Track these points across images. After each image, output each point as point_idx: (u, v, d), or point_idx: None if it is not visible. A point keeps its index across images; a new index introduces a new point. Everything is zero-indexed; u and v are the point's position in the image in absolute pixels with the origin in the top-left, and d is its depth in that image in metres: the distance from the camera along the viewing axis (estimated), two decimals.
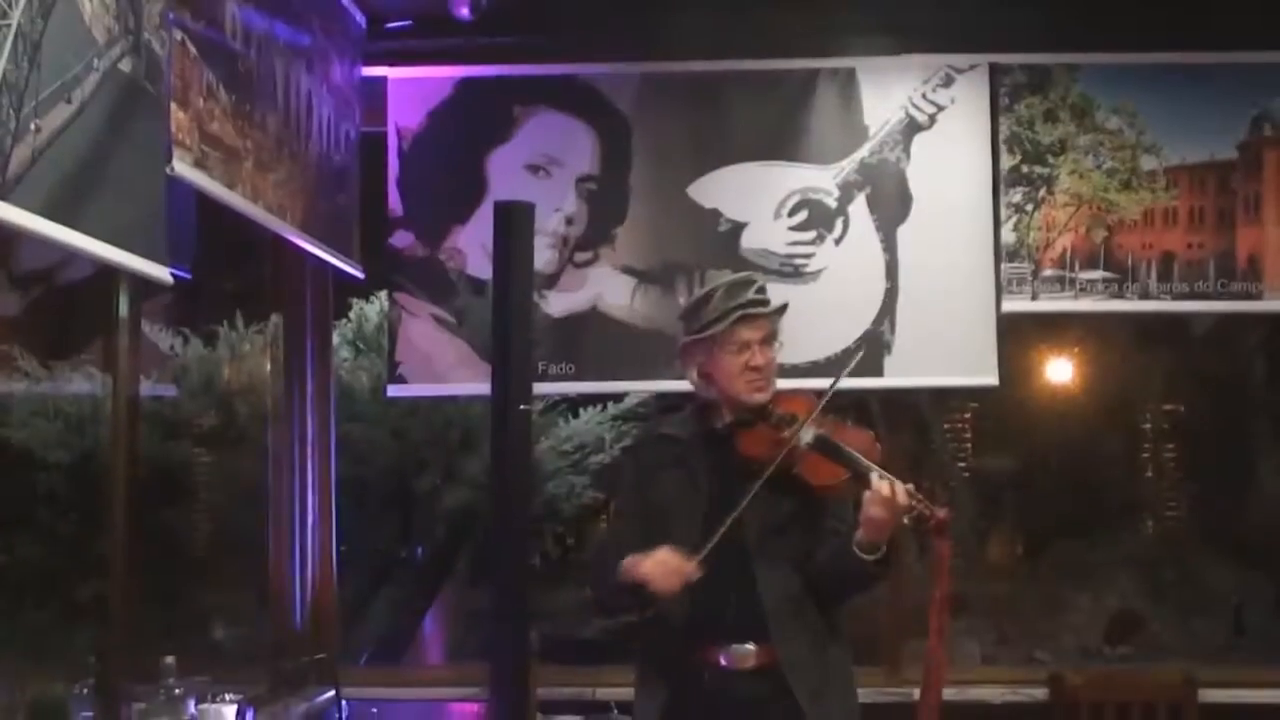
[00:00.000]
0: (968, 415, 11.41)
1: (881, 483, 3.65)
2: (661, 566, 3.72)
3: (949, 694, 5.40)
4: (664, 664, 3.90)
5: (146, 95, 3.52)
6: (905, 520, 3.70)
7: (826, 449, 3.78)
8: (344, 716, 5.24)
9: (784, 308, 3.98)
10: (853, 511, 3.77)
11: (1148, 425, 11.36)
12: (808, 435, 3.79)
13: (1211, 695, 5.42)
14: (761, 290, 3.96)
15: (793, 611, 3.85)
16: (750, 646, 3.83)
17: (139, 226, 3.49)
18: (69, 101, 3.10)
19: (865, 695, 4.95)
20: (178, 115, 3.68)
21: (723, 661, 3.83)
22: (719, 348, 3.89)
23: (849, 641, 4.06)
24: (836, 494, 3.85)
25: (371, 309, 7.40)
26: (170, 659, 4.22)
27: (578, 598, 10.07)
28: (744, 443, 3.88)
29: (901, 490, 3.64)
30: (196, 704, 4.25)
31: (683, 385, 5.45)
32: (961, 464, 11.37)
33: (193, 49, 3.79)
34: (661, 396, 7.24)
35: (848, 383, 5.45)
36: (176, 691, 4.17)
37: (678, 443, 4.01)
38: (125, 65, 3.40)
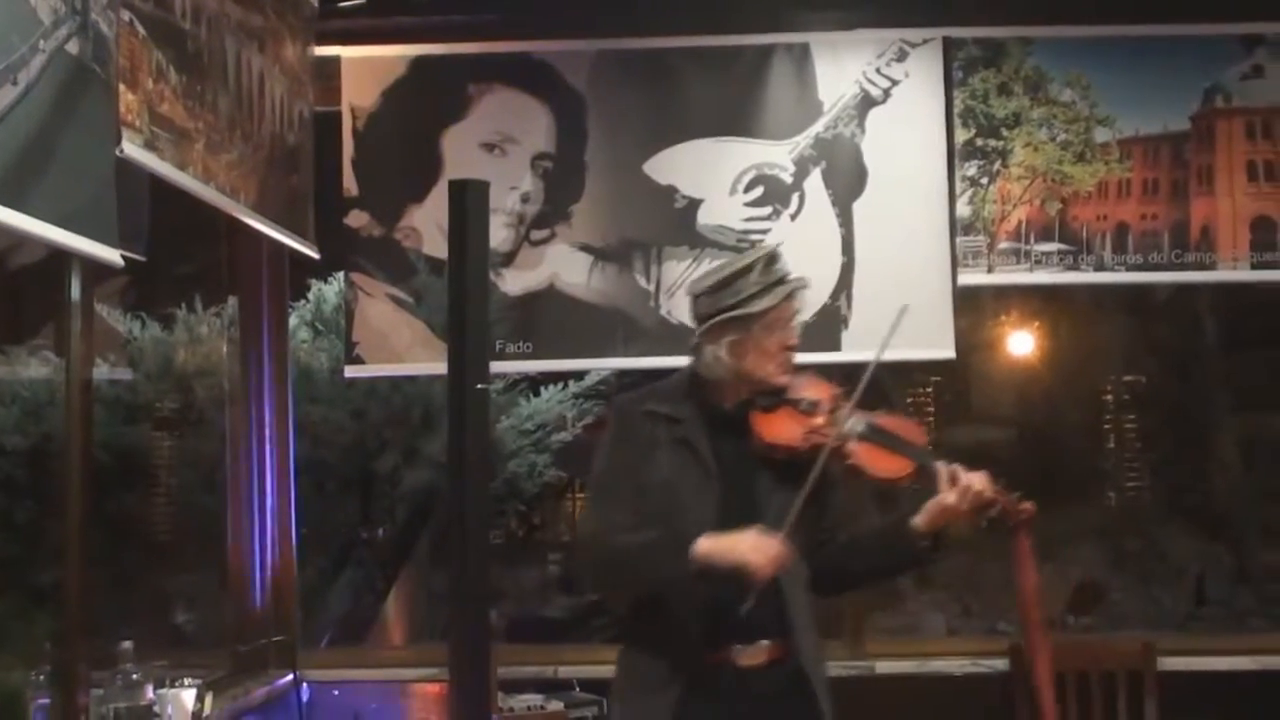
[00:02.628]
0: (929, 389, 11.46)
1: (970, 475, 3.53)
2: (760, 550, 3.44)
3: (910, 667, 5.50)
4: (672, 667, 3.61)
5: (94, 77, 3.49)
6: (991, 514, 3.59)
7: (884, 439, 3.64)
8: (305, 699, 5.23)
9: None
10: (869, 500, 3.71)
11: (1109, 396, 11.43)
12: (858, 425, 3.64)
13: (1171, 663, 5.46)
14: None
15: (805, 604, 3.69)
16: (764, 642, 3.61)
17: (89, 209, 3.47)
18: (14, 83, 3.07)
19: (829, 669, 4.98)
20: (126, 97, 3.65)
21: (738, 659, 3.59)
22: (759, 324, 3.65)
23: None
24: (899, 486, 3.70)
25: (330, 290, 7.38)
26: (128, 644, 4.19)
27: (541, 576, 10.12)
28: (767, 426, 3.67)
29: (988, 484, 3.54)
30: (155, 688, 4.23)
31: (640, 362, 5.53)
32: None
33: (141, 29, 3.77)
34: (621, 374, 7.27)
35: (805, 358, 5.50)
36: (135, 676, 4.14)
37: (675, 422, 3.70)
38: (72, 46, 3.37)
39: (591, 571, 3.95)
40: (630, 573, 3.63)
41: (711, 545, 3.47)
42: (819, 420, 3.65)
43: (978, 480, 3.54)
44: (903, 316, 3.77)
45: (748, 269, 3.68)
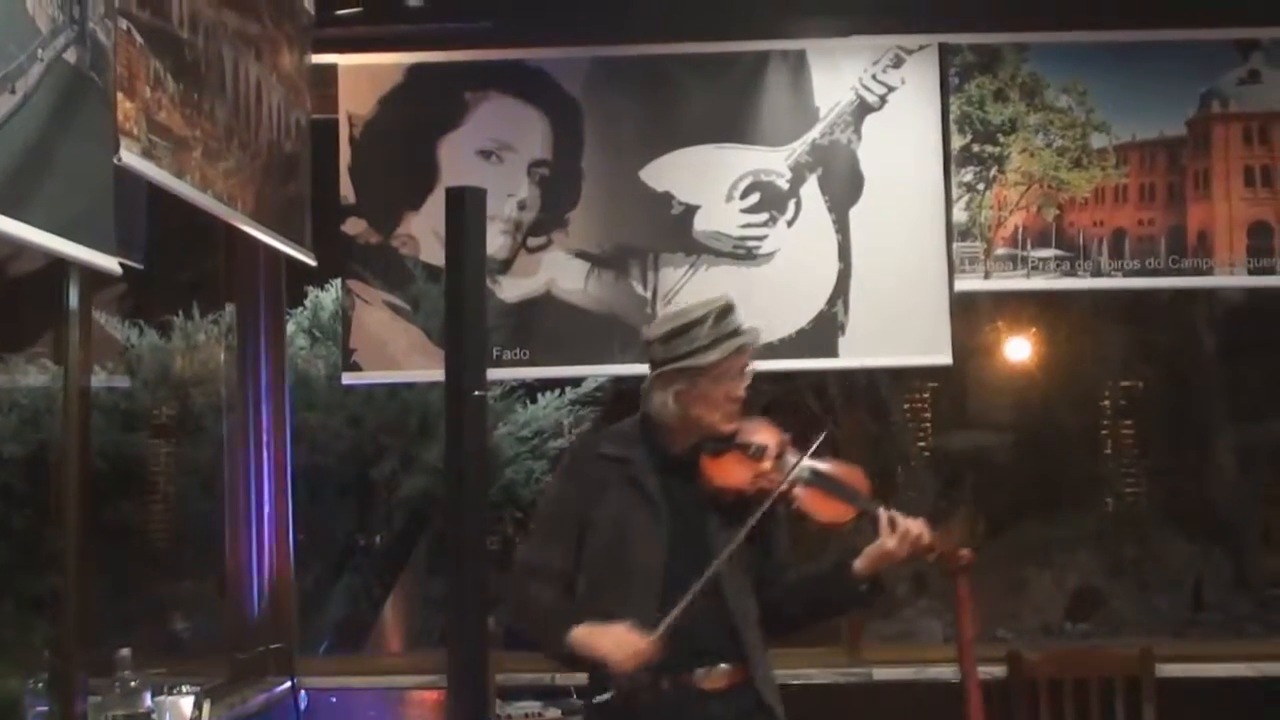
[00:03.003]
0: (927, 395, 11.44)
1: (908, 521, 3.65)
2: (621, 647, 3.53)
3: (909, 673, 5.49)
4: (632, 692, 3.65)
5: (92, 85, 3.50)
6: (929, 559, 3.73)
7: (827, 485, 3.76)
8: (302, 706, 5.23)
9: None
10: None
11: (1106, 402, 11.41)
12: (804, 471, 3.76)
13: (1169, 670, 5.45)
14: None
15: (757, 635, 3.80)
16: (724, 666, 3.72)
17: (87, 217, 3.47)
18: (12, 92, 3.07)
19: (827, 676, 4.99)
20: (124, 105, 3.65)
21: (698, 683, 3.70)
22: (706, 376, 3.74)
23: None
24: (838, 530, 3.85)
25: (327, 297, 7.38)
26: (126, 651, 4.20)
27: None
28: (715, 470, 3.77)
29: (925, 530, 3.65)
30: (153, 696, 4.23)
31: (636, 369, 5.53)
32: (921, 444, 11.40)
33: (139, 38, 3.77)
34: (618, 380, 7.27)
35: (801, 364, 5.53)
36: (132, 683, 4.14)
37: (626, 463, 3.81)
38: (70, 55, 3.37)
39: (507, 606, 4.12)
40: (525, 627, 3.88)
41: (583, 635, 3.59)
42: (766, 465, 3.77)
43: (915, 526, 3.65)
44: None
45: (700, 320, 3.76)
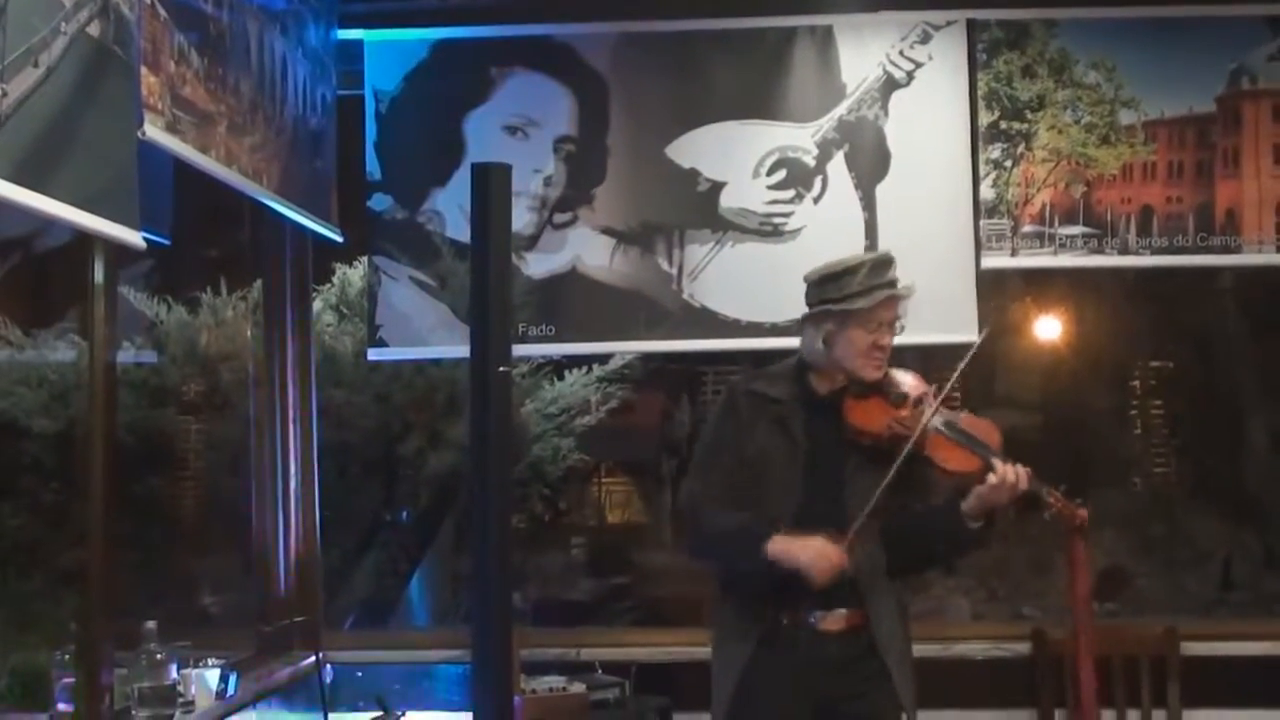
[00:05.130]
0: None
1: (1007, 468, 3.81)
2: (822, 559, 3.83)
3: (933, 651, 5.48)
4: (753, 621, 4.01)
5: (116, 59, 3.50)
6: (1046, 516, 3.91)
7: (959, 435, 3.91)
8: (328, 680, 5.25)
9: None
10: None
11: (1136, 381, 11.37)
12: (939, 419, 3.91)
13: (1194, 648, 5.45)
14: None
15: (882, 580, 4.01)
16: (842, 610, 3.97)
17: (111, 191, 3.47)
18: (36, 65, 3.07)
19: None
20: (148, 79, 3.66)
21: (814, 622, 3.95)
22: (855, 321, 3.99)
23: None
24: (964, 480, 3.93)
25: (354, 274, 7.38)
26: (152, 624, 4.23)
27: (564, 560, 10.12)
28: (855, 413, 3.97)
29: (1025, 480, 3.82)
30: (179, 668, 4.26)
31: (662, 346, 5.56)
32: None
33: (163, 12, 3.77)
34: (647, 358, 7.28)
35: None
36: (159, 656, 4.17)
37: (776, 402, 4.08)
38: (93, 29, 3.38)
39: (687, 541, 4.34)
40: (714, 551, 4.17)
41: (781, 547, 3.87)
42: (904, 412, 3.96)
43: (1013, 474, 3.82)
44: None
45: (856, 268, 4.04)
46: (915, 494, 4.07)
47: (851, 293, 3.99)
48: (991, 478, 3.82)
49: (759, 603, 4.01)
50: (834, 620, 3.97)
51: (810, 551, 3.84)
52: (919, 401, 3.98)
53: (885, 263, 4.10)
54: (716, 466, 4.14)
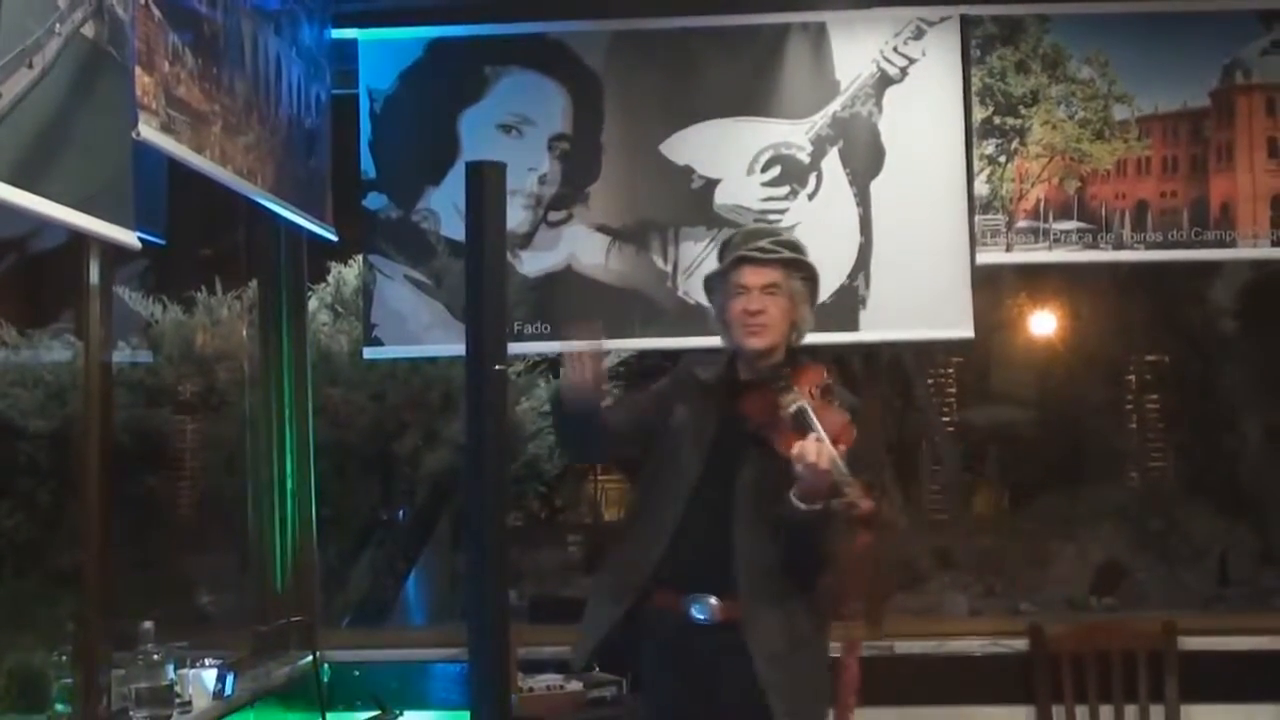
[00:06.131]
0: (951, 370, 11.44)
1: (808, 445, 3.61)
2: (574, 358, 3.99)
3: (929, 647, 5.49)
4: (625, 591, 3.95)
5: (110, 59, 3.51)
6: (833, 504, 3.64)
7: (800, 422, 3.75)
8: (325, 679, 5.26)
9: (795, 261, 3.96)
10: None
11: (1131, 376, 11.40)
12: (793, 407, 3.78)
13: (1192, 643, 5.45)
14: (794, 246, 4.00)
15: (764, 576, 3.83)
16: (713, 600, 3.84)
17: (106, 192, 3.48)
18: (30, 67, 3.08)
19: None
20: (143, 79, 3.67)
21: (685, 609, 3.85)
22: (721, 290, 3.98)
23: (828, 624, 3.99)
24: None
25: (349, 273, 7.38)
26: (149, 624, 4.24)
27: (561, 557, 10.13)
28: (746, 400, 3.92)
29: (826, 457, 3.59)
30: (175, 668, 4.27)
31: (657, 343, 5.57)
32: (946, 418, 11.41)
33: (157, 12, 3.78)
34: (642, 355, 7.27)
35: (823, 338, 5.51)
36: (155, 656, 4.18)
37: (703, 385, 4.06)
38: (88, 29, 3.38)
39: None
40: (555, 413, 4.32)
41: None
42: (779, 400, 3.81)
43: (813, 452, 3.59)
44: None
45: (729, 241, 4.08)
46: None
47: (721, 259, 4.04)
48: (794, 449, 3.64)
49: (637, 574, 3.93)
50: (705, 610, 3.84)
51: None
52: (790, 389, 3.83)
53: (760, 232, 4.11)
54: (631, 398, 4.24)
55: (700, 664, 3.86)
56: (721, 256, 4.05)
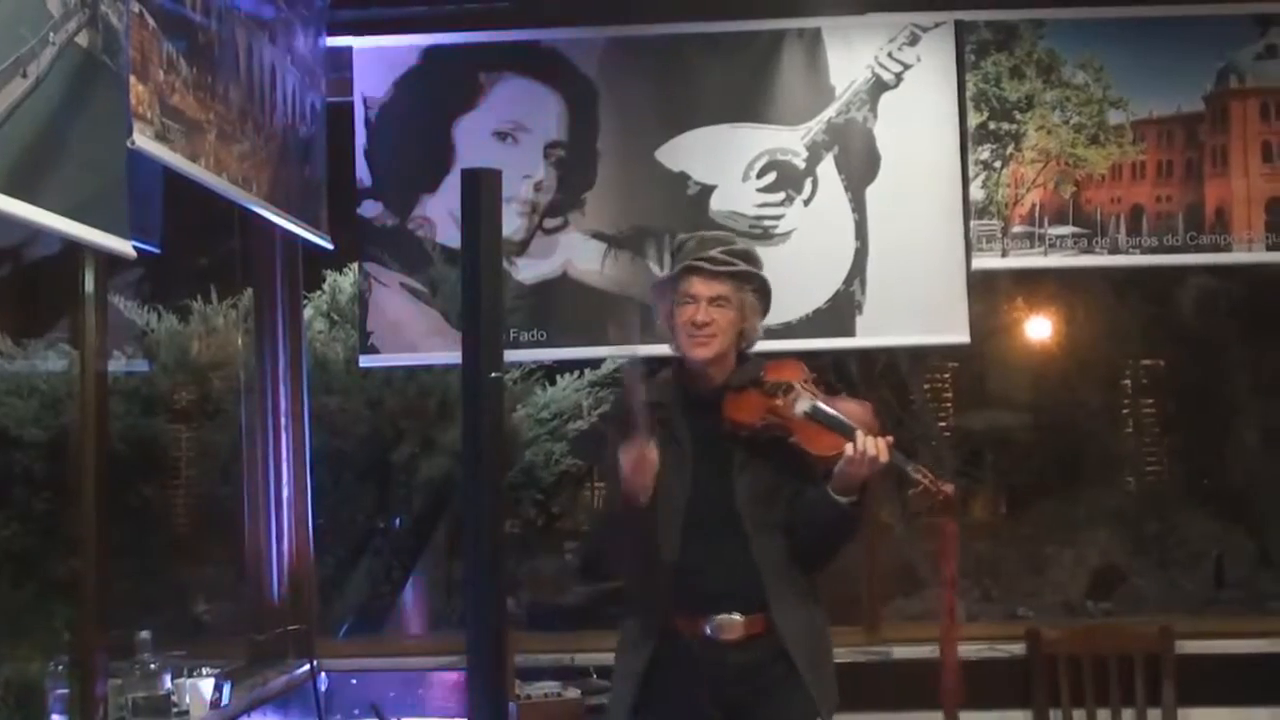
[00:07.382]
0: (948, 374, 11.44)
1: (866, 440, 3.66)
2: (631, 456, 3.71)
3: (927, 652, 5.47)
4: (649, 634, 3.88)
5: (105, 69, 3.51)
6: (910, 494, 3.76)
7: (825, 419, 3.78)
8: (323, 688, 5.25)
9: (743, 273, 3.90)
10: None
11: (1127, 380, 11.40)
12: (804, 405, 3.80)
13: (1189, 647, 5.46)
14: (746, 257, 3.94)
15: (786, 579, 3.85)
16: (737, 617, 3.80)
17: (100, 200, 3.48)
18: (24, 76, 3.08)
19: (845, 655, 4.99)
20: (137, 88, 3.66)
21: (708, 632, 3.80)
22: (668, 299, 3.93)
23: (826, 605, 4.03)
24: (834, 462, 3.77)
25: (345, 280, 7.38)
26: (146, 633, 4.23)
27: (558, 564, 10.11)
28: (731, 407, 3.87)
29: (885, 452, 3.67)
30: (172, 678, 4.26)
31: (653, 350, 5.54)
32: (942, 423, 11.41)
33: (151, 21, 3.77)
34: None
35: (820, 344, 5.51)
36: (152, 666, 4.18)
37: (661, 407, 3.90)
38: (82, 39, 3.39)
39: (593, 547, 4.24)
40: (600, 541, 3.99)
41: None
42: (778, 401, 3.83)
43: (872, 446, 3.66)
44: None
45: (680, 247, 4.00)
46: (802, 481, 3.87)
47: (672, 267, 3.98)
48: (849, 449, 3.67)
49: (657, 615, 3.87)
50: (731, 629, 3.80)
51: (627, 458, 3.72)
52: (790, 389, 3.85)
53: (713, 240, 3.98)
54: (612, 481, 3.94)
55: (741, 678, 3.82)
56: (674, 260, 4.00)
